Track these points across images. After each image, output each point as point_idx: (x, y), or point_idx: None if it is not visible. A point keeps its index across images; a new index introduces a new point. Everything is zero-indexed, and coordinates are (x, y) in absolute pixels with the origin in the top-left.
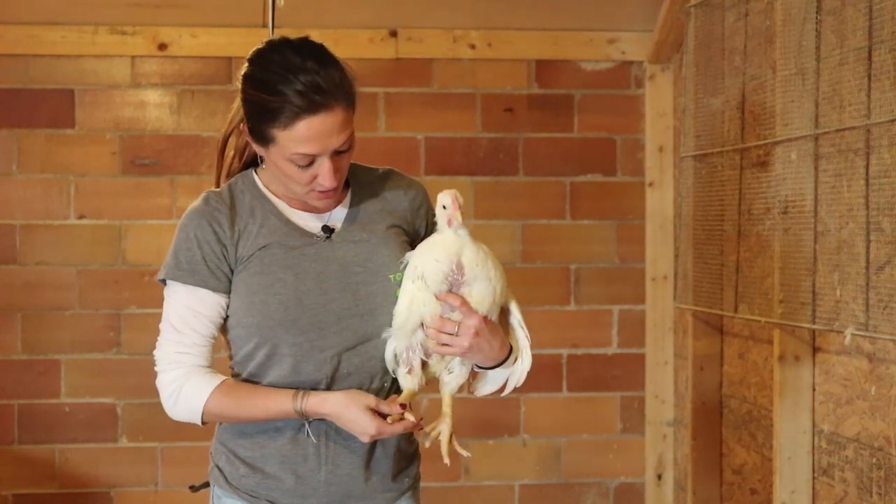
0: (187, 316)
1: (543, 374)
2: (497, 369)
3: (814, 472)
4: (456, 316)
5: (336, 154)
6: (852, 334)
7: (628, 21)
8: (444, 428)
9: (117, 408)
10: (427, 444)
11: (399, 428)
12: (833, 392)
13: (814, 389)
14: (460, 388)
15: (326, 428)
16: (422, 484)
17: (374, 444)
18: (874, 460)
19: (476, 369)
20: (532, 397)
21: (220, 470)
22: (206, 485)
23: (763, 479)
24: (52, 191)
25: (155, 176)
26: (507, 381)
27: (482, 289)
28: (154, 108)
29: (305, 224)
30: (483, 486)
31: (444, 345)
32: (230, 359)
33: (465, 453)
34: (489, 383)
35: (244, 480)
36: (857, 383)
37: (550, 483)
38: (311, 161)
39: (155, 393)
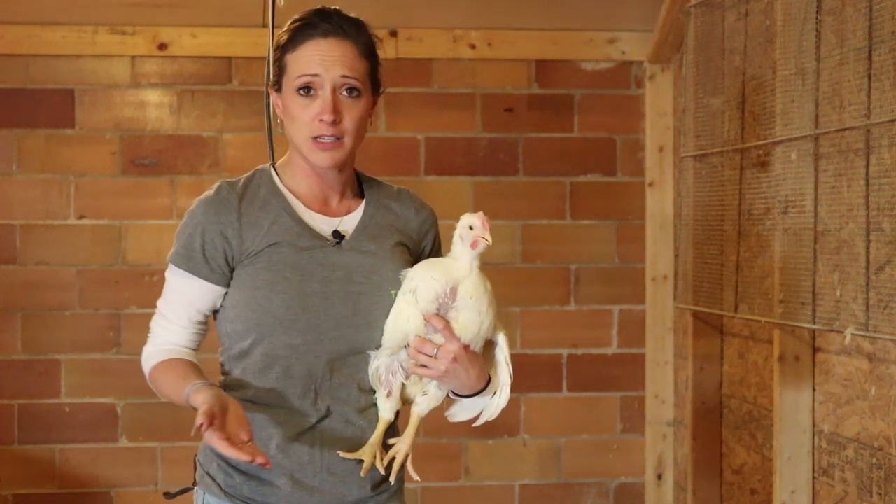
0: (176, 300)
1: (543, 374)
2: (473, 398)
3: (814, 472)
4: (437, 339)
5: (342, 96)
6: (852, 334)
7: (628, 21)
8: (402, 447)
9: (117, 408)
10: (381, 468)
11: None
12: (833, 392)
13: (814, 389)
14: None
15: (322, 437)
16: (422, 484)
17: None
18: (874, 460)
19: (451, 396)
20: (532, 397)
21: (213, 478)
22: (184, 490)
23: (763, 479)
24: (52, 191)
25: (155, 176)
26: (481, 412)
27: (469, 318)
28: (154, 108)
29: (317, 226)
30: (483, 486)
31: (421, 366)
32: (221, 354)
33: (416, 477)
34: (464, 411)
35: (240, 488)
36: (857, 383)
37: (550, 483)
38: (313, 88)
39: (155, 393)
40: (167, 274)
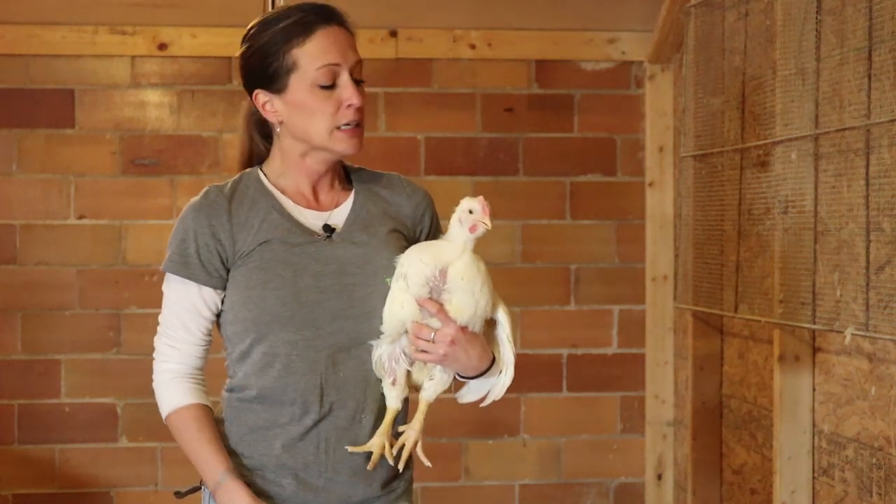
0: (177, 309)
1: (543, 374)
2: (479, 379)
3: (814, 472)
4: (434, 323)
5: (354, 82)
6: (852, 334)
7: (628, 21)
8: (411, 434)
9: (117, 408)
10: (391, 458)
11: None
12: (833, 392)
13: (814, 389)
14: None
15: (327, 436)
16: (422, 484)
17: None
18: (874, 460)
19: (458, 378)
20: (532, 397)
21: None
22: (194, 489)
23: (763, 479)
24: (52, 191)
25: (155, 176)
26: (488, 392)
27: (462, 299)
28: (154, 108)
29: (307, 221)
30: (483, 486)
31: (421, 351)
32: (226, 358)
33: (426, 462)
34: (470, 392)
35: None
36: (857, 383)
37: (550, 483)
38: (334, 79)
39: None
40: (164, 287)
